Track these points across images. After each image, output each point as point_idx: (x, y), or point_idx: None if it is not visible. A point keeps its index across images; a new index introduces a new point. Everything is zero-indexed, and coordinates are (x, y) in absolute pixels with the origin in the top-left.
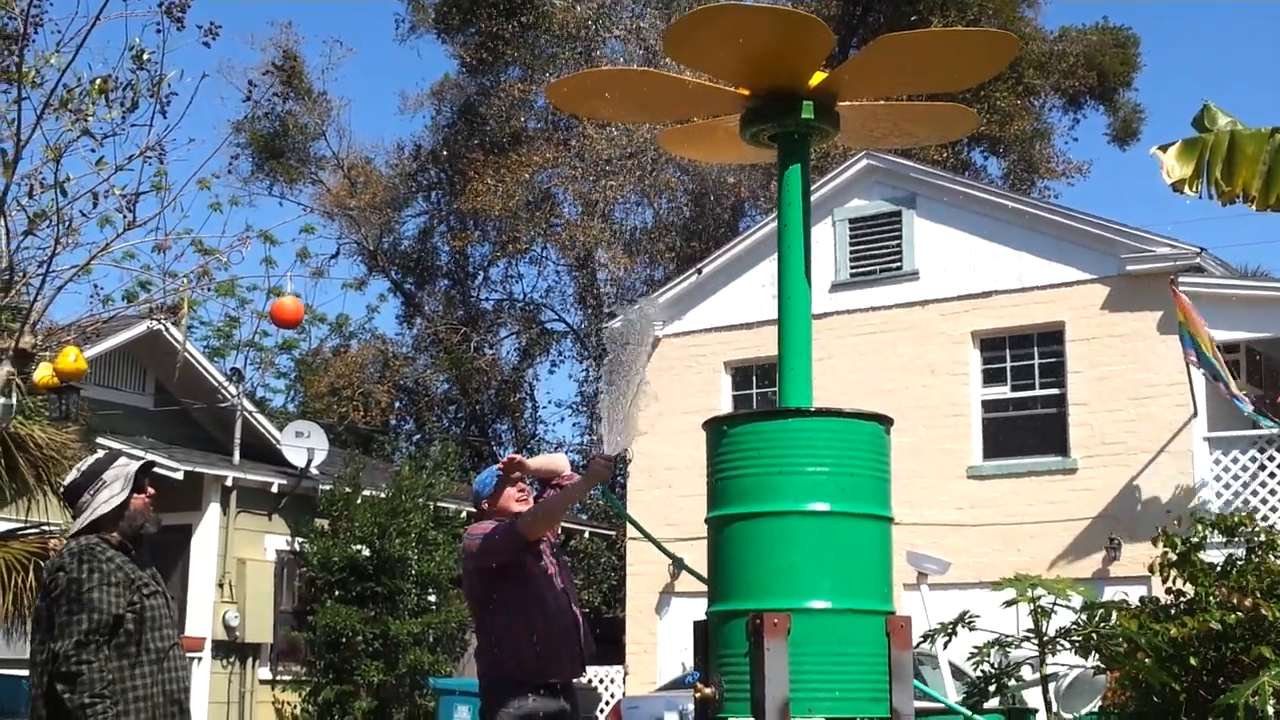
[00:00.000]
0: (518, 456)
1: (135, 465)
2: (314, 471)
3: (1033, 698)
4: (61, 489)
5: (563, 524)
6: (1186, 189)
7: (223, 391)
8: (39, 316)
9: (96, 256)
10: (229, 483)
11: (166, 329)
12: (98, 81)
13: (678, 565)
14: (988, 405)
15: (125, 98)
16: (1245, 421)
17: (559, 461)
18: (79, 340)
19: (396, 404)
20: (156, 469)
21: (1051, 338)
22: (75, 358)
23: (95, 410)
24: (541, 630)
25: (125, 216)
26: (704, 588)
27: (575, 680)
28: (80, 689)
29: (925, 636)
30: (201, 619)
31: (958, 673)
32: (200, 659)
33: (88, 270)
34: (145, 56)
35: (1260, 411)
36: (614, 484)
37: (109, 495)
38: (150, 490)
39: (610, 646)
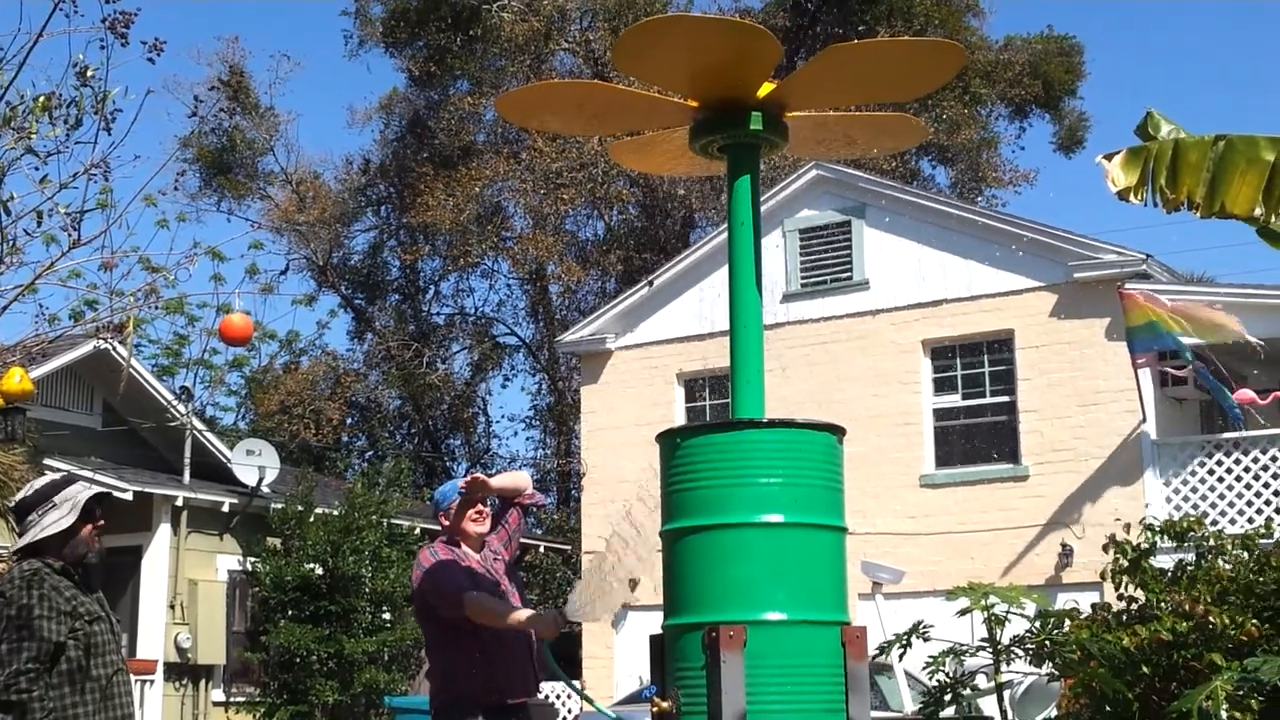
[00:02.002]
0: (480, 476)
1: (89, 493)
2: (265, 490)
3: (988, 706)
4: (11, 504)
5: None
6: (1132, 197)
7: (172, 410)
8: None
9: (41, 275)
10: (179, 502)
11: (113, 348)
12: (41, 99)
13: (600, 710)
14: (939, 414)
15: (69, 115)
16: (1194, 426)
17: (521, 479)
18: (25, 361)
19: (348, 421)
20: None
21: (1001, 345)
22: (21, 378)
23: (42, 431)
24: (492, 651)
25: (70, 235)
26: (660, 601)
27: (529, 699)
28: (23, 717)
29: (880, 650)
30: (153, 641)
31: (913, 682)
32: (152, 681)
33: (33, 290)
34: (89, 73)
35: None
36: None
37: (57, 518)
38: (101, 520)
39: (566, 662)
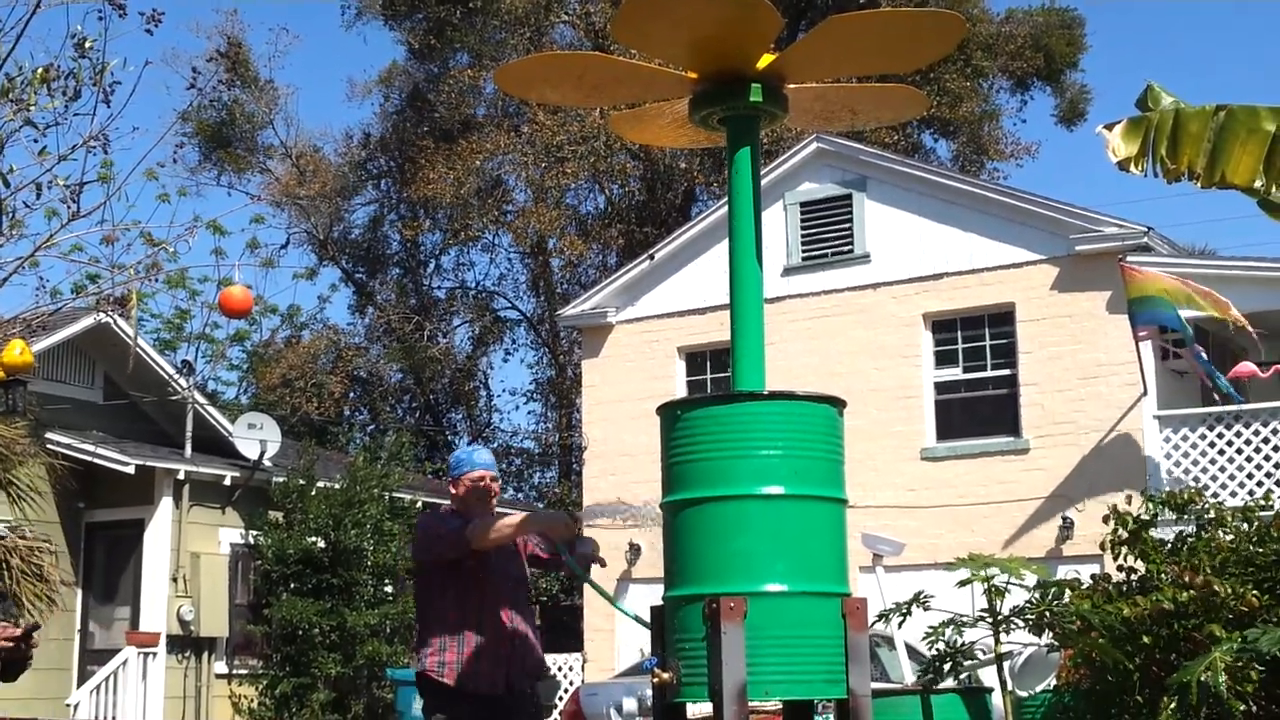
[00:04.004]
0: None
1: None
2: (267, 464)
3: (988, 676)
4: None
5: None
6: (1132, 167)
7: (173, 384)
8: None
9: (41, 248)
10: (181, 476)
11: (115, 322)
12: (39, 71)
13: (640, 622)
14: (940, 387)
15: (68, 87)
16: (1194, 399)
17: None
18: (25, 333)
19: (350, 394)
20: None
21: (1002, 319)
22: (22, 351)
23: (43, 404)
24: (471, 639)
25: (70, 207)
26: (660, 574)
27: (518, 689)
28: None
29: (880, 616)
30: (155, 613)
31: (913, 653)
32: (155, 654)
33: (34, 263)
34: (88, 44)
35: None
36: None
37: None
38: None
39: (568, 634)
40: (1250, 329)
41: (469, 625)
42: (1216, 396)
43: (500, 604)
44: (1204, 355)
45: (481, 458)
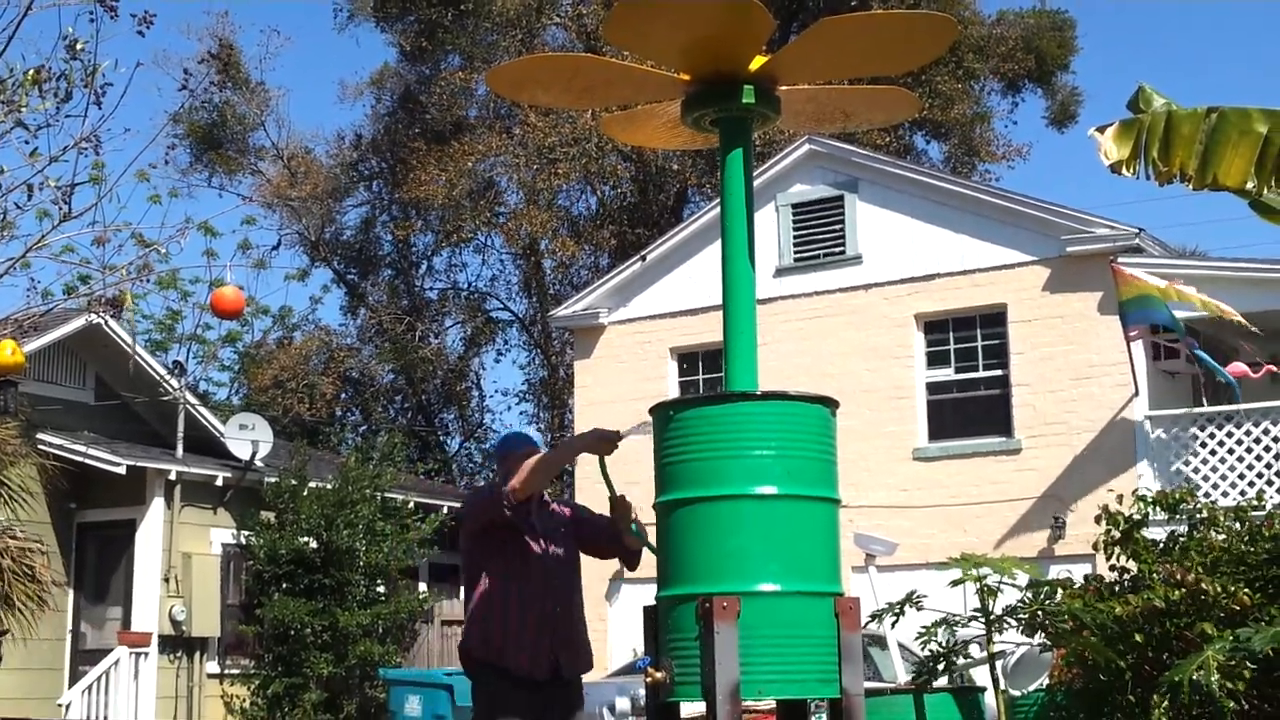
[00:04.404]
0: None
1: None
2: (259, 464)
3: (981, 676)
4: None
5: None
6: (1124, 170)
7: (165, 385)
8: None
9: (32, 249)
10: (172, 476)
11: (106, 322)
12: (30, 72)
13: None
14: (932, 387)
15: (59, 88)
16: (1186, 399)
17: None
18: (17, 334)
19: (342, 395)
20: (100, 464)
21: (994, 319)
22: (13, 351)
23: (35, 405)
24: (515, 619)
25: (61, 208)
26: (653, 574)
27: (563, 675)
28: None
29: (873, 616)
30: (147, 613)
31: (906, 653)
32: (147, 654)
33: (25, 264)
34: (79, 46)
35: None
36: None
37: None
38: None
39: None
40: (1244, 321)
41: (514, 606)
42: (1205, 396)
43: (549, 586)
44: (1199, 348)
45: (536, 435)
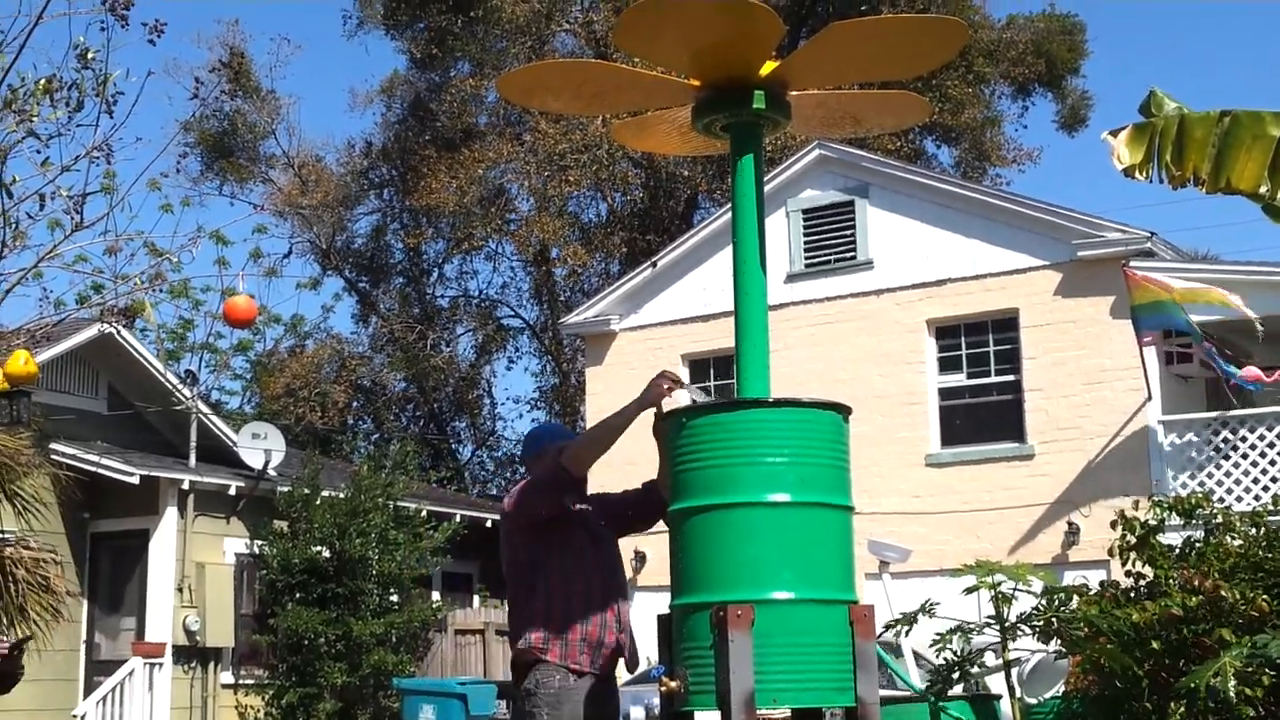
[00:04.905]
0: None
1: None
2: (271, 473)
3: (996, 684)
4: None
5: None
6: (1137, 174)
7: (177, 394)
8: None
9: (44, 259)
10: (185, 486)
11: (118, 332)
12: (42, 82)
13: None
14: (944, 393)
15: (70, 97)
16: (1199, 404)
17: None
18: (29, 344)
19: (354, 403)
20: (113, 474)
21: (1006, 324)
22: (26, 361)
23: (47, 415)
24: (579, 616)
25: (73, 218)
26: (666, 581)
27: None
28: None
29: (888, 626)
30: (161, 624)
31: (921, 660)
32: (161, 664)
33: (38, 274)
34: (90, 55)
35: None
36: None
37: None
38: None
39: None
40: (1254, 316)
41: (591, 603)
42: (1233, 397)
43: (614, 581)
44: (1214, 350)
45: (569, 431)
